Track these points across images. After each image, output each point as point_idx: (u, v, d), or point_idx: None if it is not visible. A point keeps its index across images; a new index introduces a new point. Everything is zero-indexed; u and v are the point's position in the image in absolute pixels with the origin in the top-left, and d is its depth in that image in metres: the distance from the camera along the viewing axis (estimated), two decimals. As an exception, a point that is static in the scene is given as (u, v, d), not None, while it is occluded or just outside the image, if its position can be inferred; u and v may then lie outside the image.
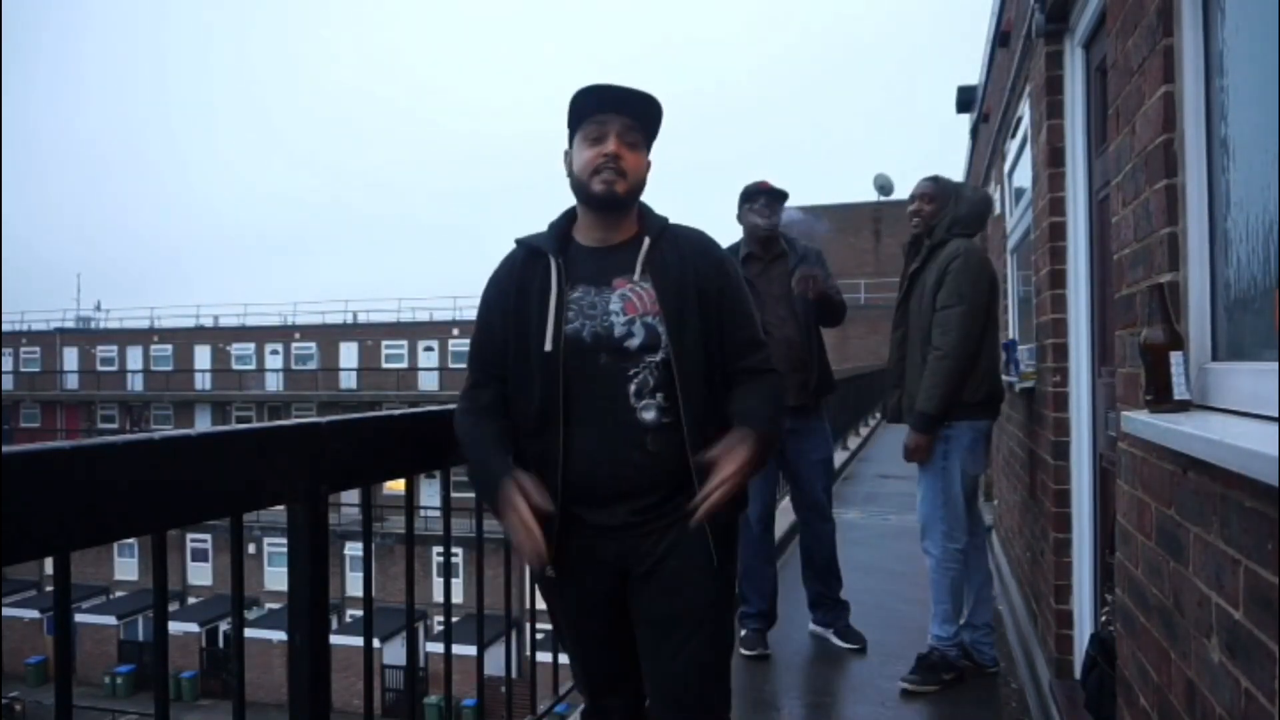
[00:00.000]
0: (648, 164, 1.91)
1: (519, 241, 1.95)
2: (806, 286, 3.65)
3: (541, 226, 1.97)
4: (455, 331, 30.91)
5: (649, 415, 1.80)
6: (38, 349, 36.30)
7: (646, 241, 1.87)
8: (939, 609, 3.48)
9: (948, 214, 3.49)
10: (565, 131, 1.93)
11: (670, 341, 1.80)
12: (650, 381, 1.80)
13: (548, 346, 1.80)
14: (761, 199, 3.79)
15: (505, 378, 1.89)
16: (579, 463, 1.80)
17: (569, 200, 1.95)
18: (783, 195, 3.85)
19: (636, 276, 1.85)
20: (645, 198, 1.95)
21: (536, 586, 2.03)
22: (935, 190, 3.54)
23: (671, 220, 1.96)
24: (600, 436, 1.80)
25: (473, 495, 2.37)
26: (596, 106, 1.84)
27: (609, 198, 1.84)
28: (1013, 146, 4.80)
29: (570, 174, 1.90)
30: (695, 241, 1.94)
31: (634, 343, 1.81)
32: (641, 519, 1.82)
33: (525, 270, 1.89)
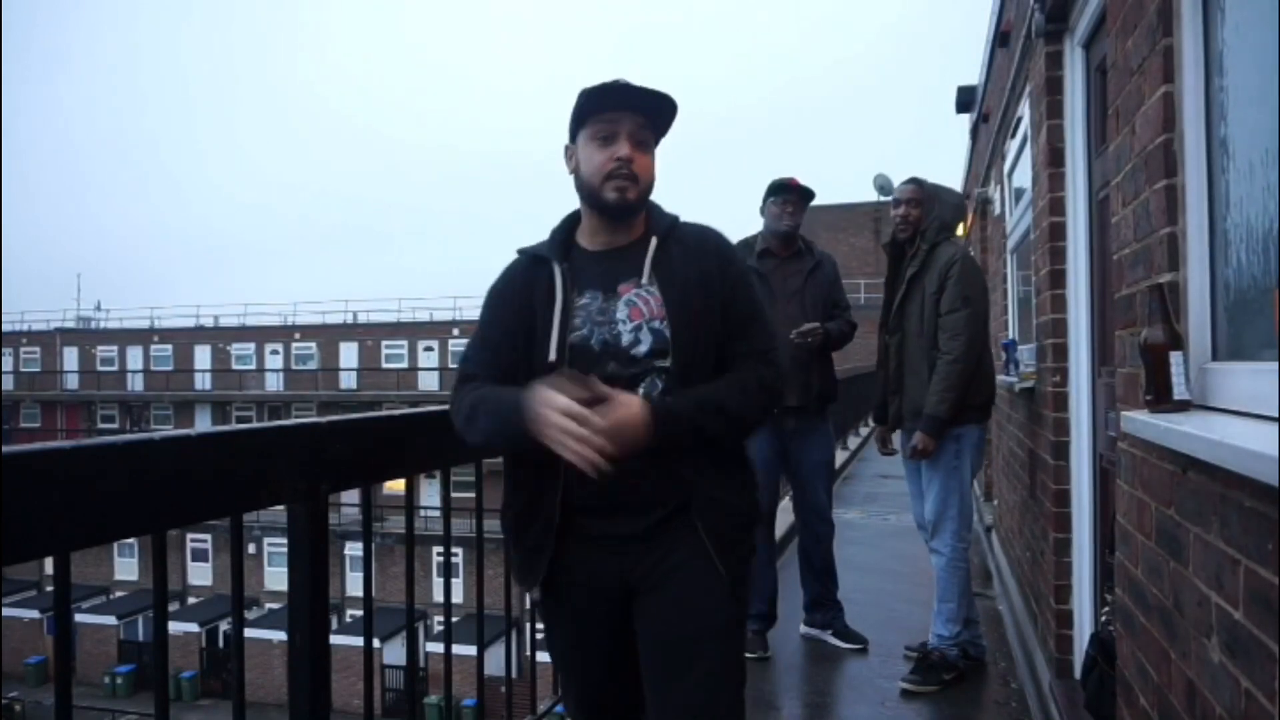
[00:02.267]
0: (654, 161, 1.80)
1: (520, 251, 1.86)
2: (805, 341, 3.71)
3: (529, 232, 1.86)
4: (455, 331, 30.91)
5: None
6: (38, 349, 36.26)
7: (654, 242, 1.77)
8: (944, 608, 3.47)
9: (935, 217, 3.53)
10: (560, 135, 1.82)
11: (676, 347, 1.71)
12: (658, 386, 1.70)
13: (551, 356, 1.71)
14: (785, 196, 3.83)
15: (496, 380, 1.77)
16: (584, 474, 1.65)
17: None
18: (809, 195, 3.89)
19: (644, 280, 1.75)
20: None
21: (535, 609, 1.93)
22: (921, 194, 3.58)
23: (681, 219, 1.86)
24: None
25: (473, 495, 2.38)
26: (609, 104, 1.73)
27: (622, 206, 1.74)
28: (1013, 146, 4.80)
29: (576, 174, 1.79)
30: (702, 239, 1.83)
31: (641, 349, 1.72)
32: (647, 532, 1.72)
33: (527, 280, 1.80)
